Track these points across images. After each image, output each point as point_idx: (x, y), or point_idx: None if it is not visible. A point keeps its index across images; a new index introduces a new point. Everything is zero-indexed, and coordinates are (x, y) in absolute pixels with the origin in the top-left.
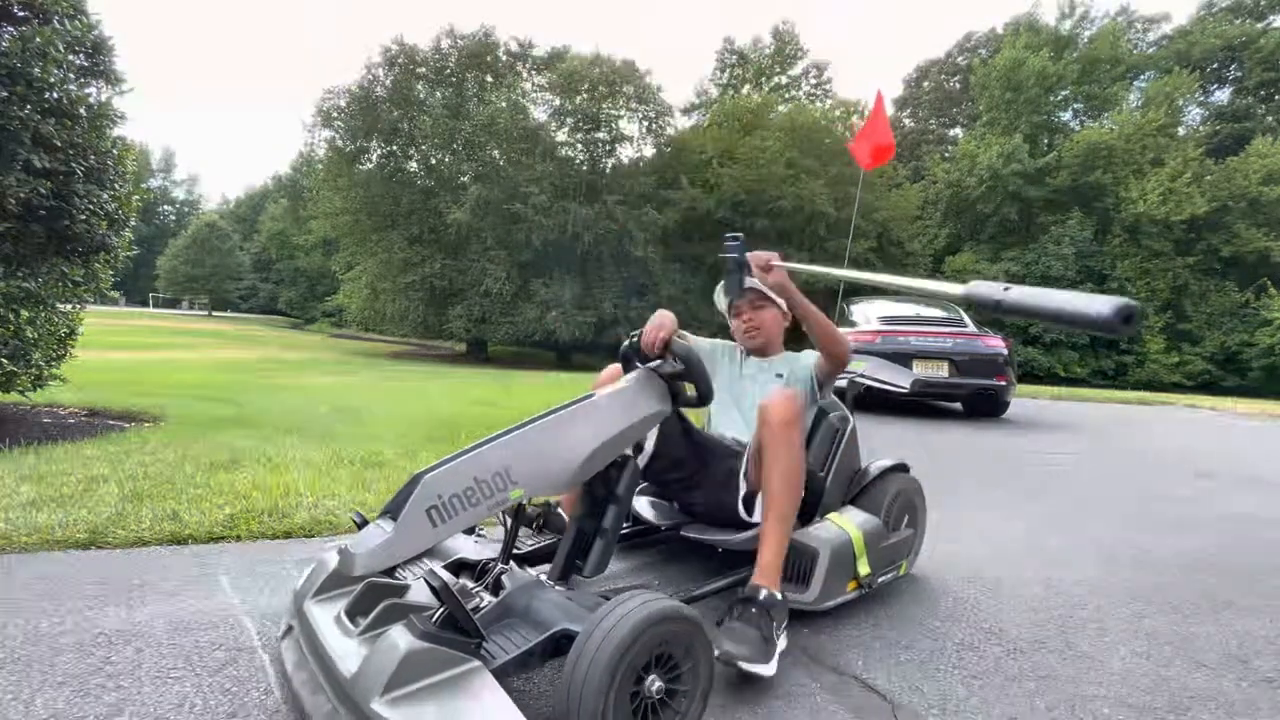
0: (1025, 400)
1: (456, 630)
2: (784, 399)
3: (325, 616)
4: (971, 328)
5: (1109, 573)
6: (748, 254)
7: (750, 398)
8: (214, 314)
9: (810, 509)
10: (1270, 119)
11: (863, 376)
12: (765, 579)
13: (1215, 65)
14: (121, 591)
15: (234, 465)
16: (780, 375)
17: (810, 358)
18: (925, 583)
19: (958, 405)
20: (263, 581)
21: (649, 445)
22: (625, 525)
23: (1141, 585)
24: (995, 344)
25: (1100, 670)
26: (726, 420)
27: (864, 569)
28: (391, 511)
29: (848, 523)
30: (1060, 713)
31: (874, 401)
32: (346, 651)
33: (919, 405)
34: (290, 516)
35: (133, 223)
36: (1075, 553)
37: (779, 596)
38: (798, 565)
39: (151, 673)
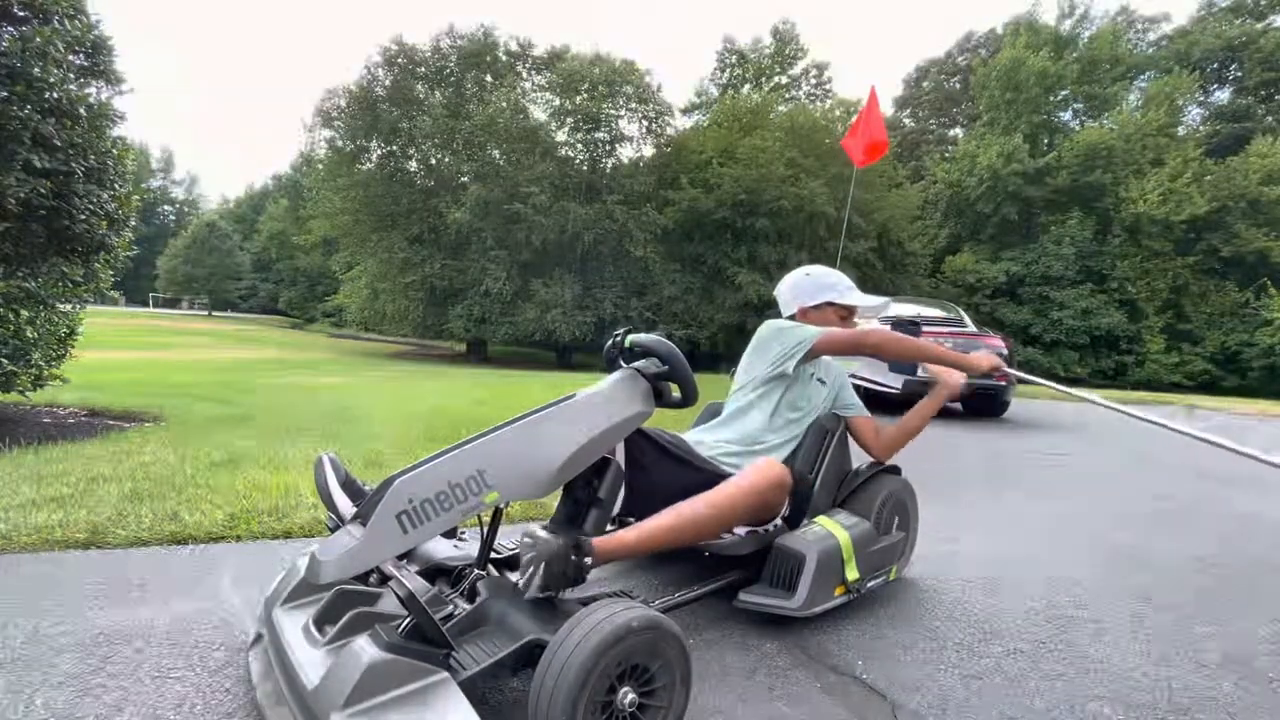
0: (1026, 400)
1: (424, 640)
2: (777, 470)
3: (293, 625)
4: (971, 327)
5: (1109, 573)
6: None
7: (792, 393)
8: (214, 314)
9: (798, 512)
10: (1270, 119)
11: (855, 377)
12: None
13: (1215, 65)
14: (121, 591)
15: (234, 465)
16: (822, 381)
17: (852, 390)
18: (924, 583)
19: (958, 405)
20: (263, 581)
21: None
22: (609, 529)
23: (1141, 585)
24: (995, 344)
25: (1100, 670)
26: (754, 400)
27: (852, 573)
28: (362, 516)
29: (836, 526)
30: (1060, 713)
31: (872, 402)
32: (311, 662)
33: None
34: (290, 516)
35: (133, 223)
36: (1075, 553)
37: (586, 563)
38: (783, 570)
39: (151, 673)
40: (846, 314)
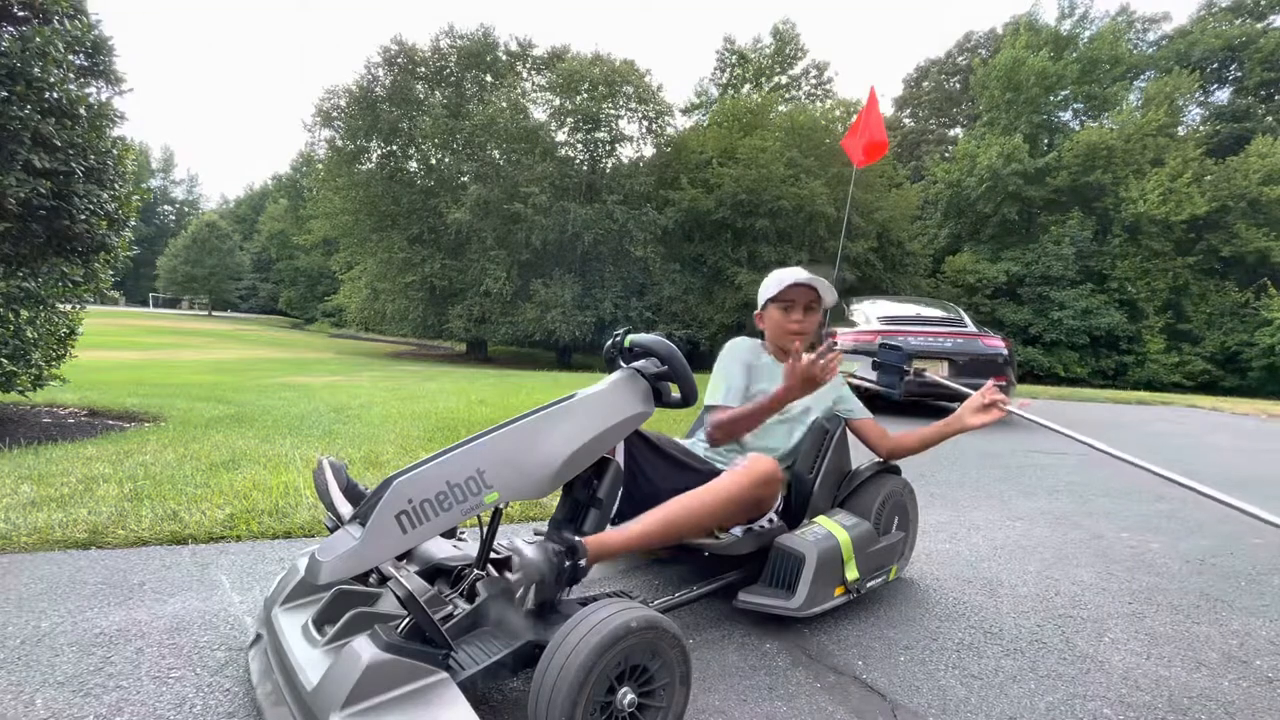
0: (1026, 400)
1: (424, 640)
2: (766, 465)
3: (292, 625)
4: (971, 327)
5: (1109, 573)
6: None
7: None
8: (214, 314)
9: (798, 512)
10: (1270, 119)
11: (854, 377)
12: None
13: (1215, 65)
14: (121, 591)
15: (234, 465)
16: None
17: (850, 393)
18: (924, 583)
19: (958, 406)
20: (263, 581)
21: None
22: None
23: (1141, 585)
24: (995, 344)
25: (1100, 670)
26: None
27: (852, 573)
28: (361, 517)
29: (836, 526)
30: (1060, 713)
31: (871, 402)
32: (310, 662)
33: (919, 405)
34: (290, 516)
35: (133, 223)
36: (1074, 553)
37: (581, 564)
38: (783, 570)
39: (151, 673)
40: (785, 304)
